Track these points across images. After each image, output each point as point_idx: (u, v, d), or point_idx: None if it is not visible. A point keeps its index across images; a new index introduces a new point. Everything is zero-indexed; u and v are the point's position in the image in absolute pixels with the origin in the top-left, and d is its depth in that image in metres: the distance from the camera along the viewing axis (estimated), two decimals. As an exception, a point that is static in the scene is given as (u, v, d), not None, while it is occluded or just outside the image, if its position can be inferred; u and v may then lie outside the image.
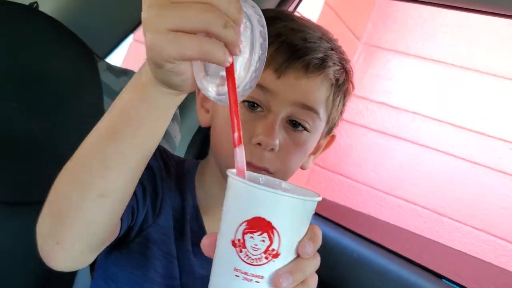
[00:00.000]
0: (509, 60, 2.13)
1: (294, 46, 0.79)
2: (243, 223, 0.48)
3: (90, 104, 1.06)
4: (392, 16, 2.41)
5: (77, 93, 1.06)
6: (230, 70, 0.50)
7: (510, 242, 2.02)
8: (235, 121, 0.52)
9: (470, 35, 2.22)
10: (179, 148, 1.32)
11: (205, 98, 0.83)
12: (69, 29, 1.06)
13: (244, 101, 0.79)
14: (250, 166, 0.75)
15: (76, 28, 1.08)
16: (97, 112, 1.03)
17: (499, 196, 2.07)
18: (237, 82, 0.52)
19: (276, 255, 0.48)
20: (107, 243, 0.67)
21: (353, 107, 2.38)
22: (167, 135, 1.18)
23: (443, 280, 1.22)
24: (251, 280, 0.49)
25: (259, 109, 0.79)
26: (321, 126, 0.84)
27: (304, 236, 0.50)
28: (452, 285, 1.20)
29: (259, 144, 0.76)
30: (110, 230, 0.64)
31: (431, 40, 2.30)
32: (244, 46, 0.52)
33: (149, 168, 0.81)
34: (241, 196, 0.49)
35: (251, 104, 0.79)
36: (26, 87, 0.99)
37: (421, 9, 2.33)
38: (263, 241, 0.48)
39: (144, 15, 0.47)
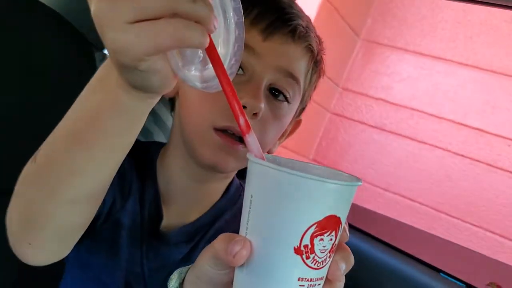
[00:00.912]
0: (509, 56, 2.12)
1: (282, 9, 0.76)
2: (312, 226, 0.39)
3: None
4: (391, 12, 2.40)
5: (74, 83, 1.04)
6: (211, 49, 0.42)
7: (508, 239, 2.01)
8: (236, 106, 0.45)
9: (469, 31, 2.21)
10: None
11: None
12: (67, 19, 1.05)
13: None
14: (228, 137, 0.72)
15: (73, 18, 1.07)
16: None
17: (497, 193, 2.06)
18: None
19: (334, 249, 0.43)
20: (81, 234, 0.64)
21: (351, 103, 2.37)
22: (163, 125, 1.17)
23: (441, 274, 1.22)
24: (314, 285, 0.42)
25: (240, 71, 0.74)
26: (298, 100, 0.81)
27: None
28: (450, 279, 1.20)
29: (243, 107, 0.67)
30: (82, 229, 0.62)
31: (430, 36, 2.29)
32: (216, 16, 0.44)
33: None
34: (307, 194, 0.39)
35: None
36: (22, 77, 0.98)
37: (420, 5, 2.32)
38: (331, 240, 0.41)
39: (94, 11, 0.39)
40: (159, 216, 0.80)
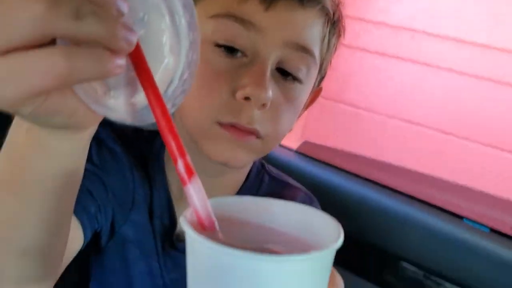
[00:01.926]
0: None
1: None
2: None
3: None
4: None
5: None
6: (139, 65, 0.32)
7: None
8: (173, 143, 0.35)
9: None
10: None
11: None
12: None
13: (219, 45, 0.62)
14: (237, 129, 0.63)
15: None
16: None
17: (506, 110, 2.02)
18: (165, 78, 0.36)
19: None
20: (65, 265, 0.57)
21: (348, 30, 2.25)
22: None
23: (464, 220, 1.21)
24: None
25: (239, 54, 0.64)
26: (315, 74, 0.72)
27: None
28: (474, 224, 1.20)
29: (247, 98, 0.61)
30: (53, 277, 0.54)
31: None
32: (161, 16, 0.34)
33: (111, 153, 0.70)
34: (249, 278, 0.30)
35: (229, 49, 0.63)
36: None
37: None
38: None
39: None
40: (172, 223, 0.75)
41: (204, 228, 0.36)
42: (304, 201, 0.84)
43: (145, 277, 0.74)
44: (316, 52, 0.69)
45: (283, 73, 0.67)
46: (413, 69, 2.17)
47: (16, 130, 0.39)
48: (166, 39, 0.35)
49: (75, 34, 0.28)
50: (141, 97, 0.35)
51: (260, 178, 0.84)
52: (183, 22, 0.35)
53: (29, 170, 0.39)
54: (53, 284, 0.55)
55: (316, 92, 0.80)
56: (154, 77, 0.34)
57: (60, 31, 0.28)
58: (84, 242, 0.64)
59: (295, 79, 0.68)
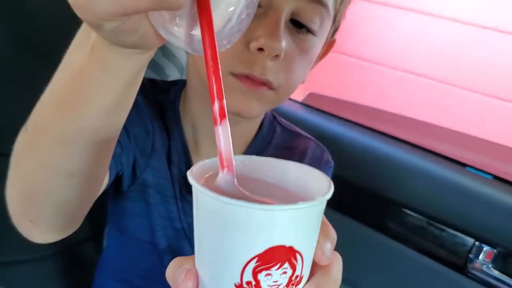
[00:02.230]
0: None
1: None
2: (251, 260, 0.33)
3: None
4: None
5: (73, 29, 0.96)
6: (202, 3, 0.34)
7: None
8: (215, 85, 0.37)
9: None
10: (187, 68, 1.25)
11: None
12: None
13: None
14: (250, 79, 0.64)
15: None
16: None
17: (510, 59, 2.01)
18: (224, 15, 0.37)
19: (299, 281, 0.37)
20: (91, 204, 0.59)
21: (351, -20, 2.23)
22: (173, 57, 1.11)
23: (467, 168, 1.23)
24: None
25: None
26: (328, 26, 0.71)
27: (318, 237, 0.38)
28: (477, 172, 1.22)
29: (261, 50, 0.62)
30: (88, 203, 0.57)
31: None
32: None
33: (134, 105, 0.72)
34: (241, 226, 0.33)
35: None
36: (18, 25, 0.90)
37: None
38: (285, 272, 0.35)
39: None
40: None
41: (223, 167, 0.38)
42: (315, 151, 0.86)
43: (165, 220, 0.77)
44: (330, 3, 0.68)
45: (297, 25, 0.67)
46: (416, 19, 2.15)
47: (77, 52, 0.41)
48: None
49: None
50: (199, 31, 0.36)
51: (273, 129, 0.85)
52: None
53: (91, 88, 0.42)
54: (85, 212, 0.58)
55: (329, 44, 0.80)
56: (214, 12, 0.36)
57: None
58: (108, 182, 0.66)
59: (309, 31, 0.67)
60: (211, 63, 0.36)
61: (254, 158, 0.43)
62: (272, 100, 0.70)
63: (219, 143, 0.38)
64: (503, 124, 2.02)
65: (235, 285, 0.34)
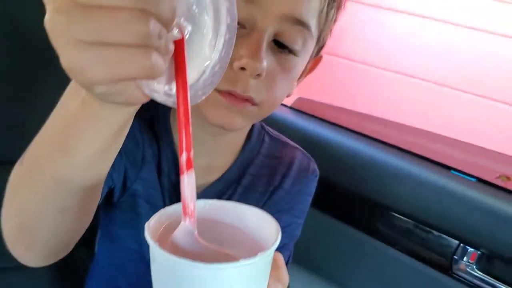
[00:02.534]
0: None
1: None
2: None
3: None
4: None
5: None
6: (178, 64, 0.38)
7: (512, 105, 2.04)
8: (184, 138, 0.41)
9: None
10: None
11: None
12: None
13: None
14: (233, 96, 0.67)
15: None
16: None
17: (500, 60, 2.04)
18: (200, 67, 0.41)
19: None
20: (84, 230, 0.62)
21: (344, -18, 2.25)
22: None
23: (452, 171, 1.25)
24: None
25: (238, 26, 0.67)
26: (311, 46, 0.73)
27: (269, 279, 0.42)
28: (461, 175, 1.24)
29: (243, 69, 0.64)
30: (81, 231, 0.59)
31: None
32: (206, 13, 0.39)
33: None
34: (188, 280, 0.37)
35: None
36: (20, 38, 0.92)
37: None
38: None
39: (49, 23, 0.33)
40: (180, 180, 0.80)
41: (186, 215, 0.42)
42: (302, 161, 0.88)
43: None
44: (313, 25, 0.70)
45: (280, 45, 0.69)
46: (408, 21, 2.17)
47: (70, 100, 0.45)
48: (207, 32, 0.40)
49: (159, 47, 0.34)
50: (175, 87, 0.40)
51: (262, 138, 0.87)
52: (224, 22, 0.40)
53: (81, 134, 0.44)
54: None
55: (315, 61, 0.82)
56: (191, 66, 0.40)
57: (153, 45, 0.33)
58: (100, 199, 0.67)
59: (291, 51, 0.69)
60: (183, 118, 0.39)
61: (215, 202, 0.47)
62: (255, 115, 0.73)
63: (183, 192, 0.41)
64: (494, 124, 2.05)
65: None
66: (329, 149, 1.33)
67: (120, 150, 0.71)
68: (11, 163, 0.53)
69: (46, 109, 0.49)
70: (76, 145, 0.45)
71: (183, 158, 0.41)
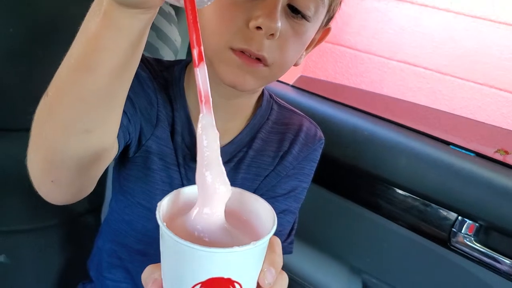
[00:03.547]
0: None
1: None
2: (196, 285, 0.42)
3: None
4: None
5: (70, 11, 1.01)
6: None
7: (513, 92, 2.05)
8: (194, 34, 0.45)
9: None
10: (181, 50, 1.30)
11: None
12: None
13: None
14: (246, 55, 0.70)
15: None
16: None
17: (502, 48, 2.06)
18: None
19: None
20: (104, 167, 0.66)
21: (348, -28, 2.27)
22: (167, 39, 1.16)
23: (451, 146, 1.28)
24: None
25: None
26: (322, 14, 0.76)
27: (263, 263, 0.46)
28: (460, 149, 1.26)
29: (258, 28, 0.67)
30: (104, 160, 0.63)
31: None
32: None
33: (138, 78, 0.78)
34: (188, 259, 0.41)
35: None
36: (43, 33, 0.95)
37: None
38: None
39: None
40: (193, 140, 0.82)
41: (201, 101, 0.46)
42: (310, 128, 0.92)
43: (166, 186, 0.82)
44: None
45: (293, 10, 0.72)
46: (411, 10, 2.19)
47: (91, 18, 0.48)
48: None
49: None
50: None
51: (271, 106, 0.91)
52: None
53: (104, 48, 0.48)
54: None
55: (325, 32, 0.85)
56: None
57: None
58: (118, 151, 0.71)
59: (303, 16, 0.71)
60: (191, 16, 0.43)
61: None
62: (266, 76, 0.75)
63: (198, 82, 0.45)
64: (496, 111, 2.06)
65: None
66: (329, 125, 1.35)
67: (135, 106, 0.75)
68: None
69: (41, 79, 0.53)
70: (99, 59, 0.49)
71: (195, 52, 0.45)
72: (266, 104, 0.90)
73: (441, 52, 2.15)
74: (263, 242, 0.43)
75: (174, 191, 0.48)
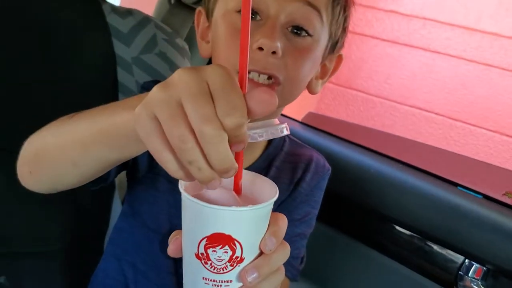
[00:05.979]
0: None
1: None
2: (203, 239, 0.48)
3: (99, 48, 1.06)
4: None
5: (86, 39, 1.05)
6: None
7: (525, 141, 2.04)
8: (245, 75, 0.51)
9: None
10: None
11: (205, 30, 0.82)
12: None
13: (240, 11, 0.71)
14: (255, 82, 0.74)
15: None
16: (107, 56, 1.03)
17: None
18: None
19: (241, 260, 0.49)
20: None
21: (361, 18, 2.32)
22: (174, 68, 1.18)
23: (459, 187, 1.26)
24: (220, 285, 0.50)
25: (258, 17, 0.76)
26: (323, 32, 0.80)
27: (265, 233, 0.50)
28: (468, 191, 1.25)
29: (260, 49, 0.72)
30: (81, 182, 0.67)
31: None
32: None
33: None
34: (197, 215, 0.48)
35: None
36: (31, 35, 0.98)
37: None
38: (226, 252, 0.48)
39: (151, 93, 0.43)
40: None
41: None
42: (318, 159, 0.96)
43: (172, 208, 0.83)
44: (323, 11, 0.78)
45: (294, 31, 0.76)
46: (423, 57, 2.22)
47: (118, 113, 0.53)
48: None
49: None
50: None
51: (283, 139, 0.94)
52: None
53: (119, 146, 0.55)
54: None
55: (338, 60, 0.88)
56: None
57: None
58: (128, 167, 0.82)
59: (304, 31, 0.76)
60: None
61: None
62: (281, 95, 0.77)
63: None
64: (508, 159, 2.05)
65: (195, 254, 0.49)
66: (336, 162, 1.35)
67: None
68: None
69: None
70: (101, 150, 0.57)
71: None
72: (279, 137, 0.92)
73: (453, 98, 2.16)
74: (260, 207, 0.48)
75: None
